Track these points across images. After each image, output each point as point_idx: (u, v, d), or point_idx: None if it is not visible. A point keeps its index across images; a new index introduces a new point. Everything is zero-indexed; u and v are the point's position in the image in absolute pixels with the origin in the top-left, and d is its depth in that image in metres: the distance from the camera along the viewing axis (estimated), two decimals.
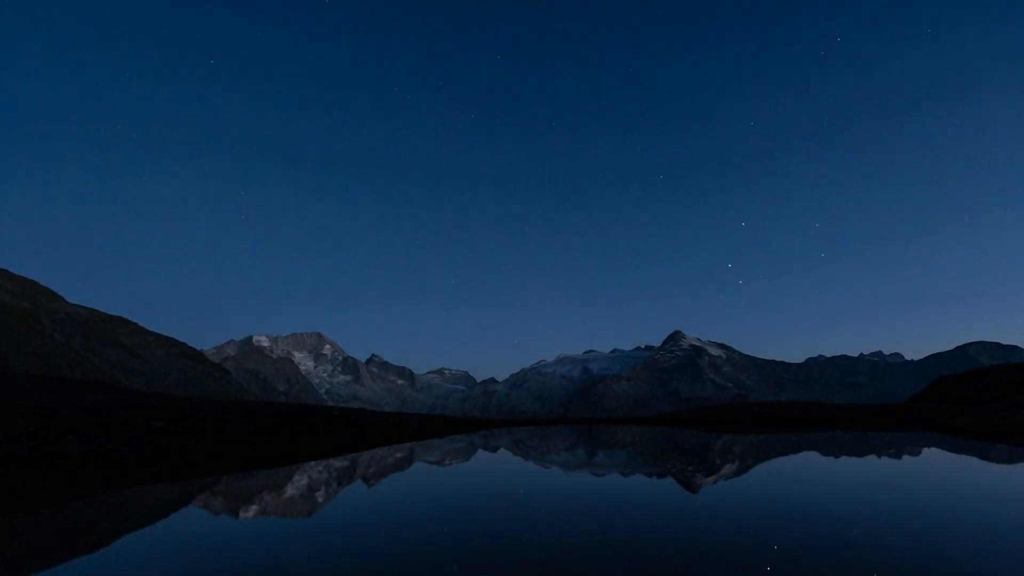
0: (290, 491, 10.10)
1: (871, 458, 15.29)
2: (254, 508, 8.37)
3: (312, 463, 15.58)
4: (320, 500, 9.11)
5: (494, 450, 20.44)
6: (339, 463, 15.61)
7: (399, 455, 18.21)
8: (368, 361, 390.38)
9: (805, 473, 11.93)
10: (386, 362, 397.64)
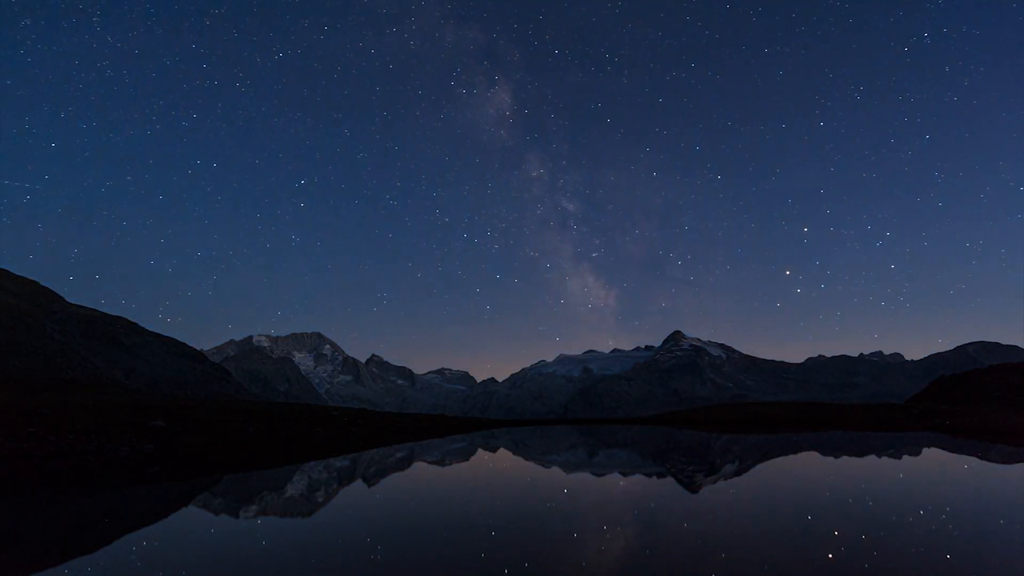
0: (290, 491, 10.10)
1: (871, 458, 15.29)
2: (254, 508, 8.37)
3: (312, 463, 15.58)
4: (320, 500, 9.11)
5: (494, 450, 20.44)
6: (339, 463, 15.61)
7: (399, 455, 18.21)
8: (368, 361, 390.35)
9: (805, 474, 11.93)
10: (386, 362, 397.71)
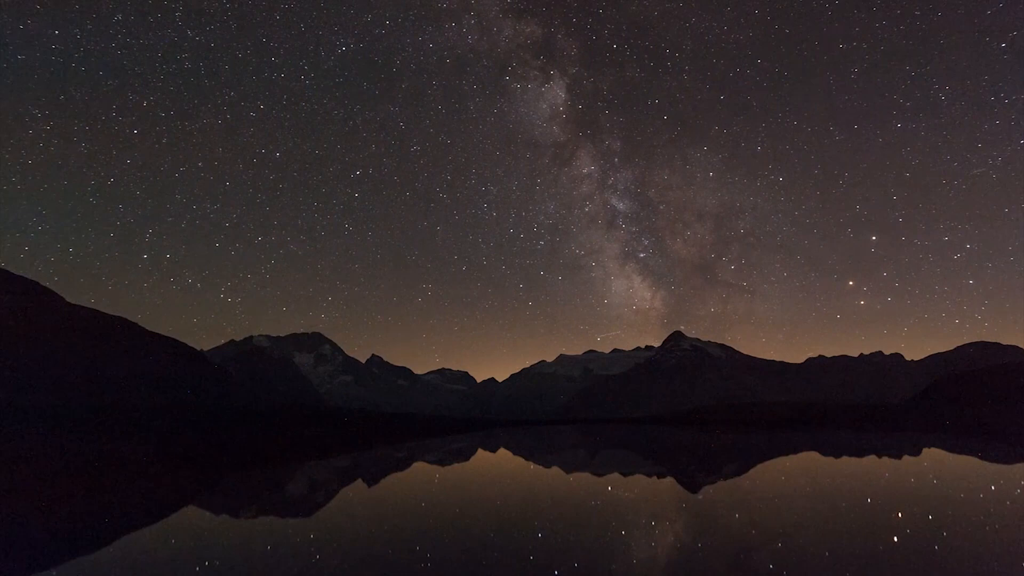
0: (290, 491, 10.11)
1: (871, 458, 15.29)
2: (254, 508, 8.38)
3: (312, 463, 15.59)
4: (320, 500, 9.12)
5: (494, 450, 20.44)
6: (339, 463, 15.62)
7: (399, 455, 18.21)
8: (368, 361, 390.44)
9: (806, 474, 11.93)
10: (386, 362, 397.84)
